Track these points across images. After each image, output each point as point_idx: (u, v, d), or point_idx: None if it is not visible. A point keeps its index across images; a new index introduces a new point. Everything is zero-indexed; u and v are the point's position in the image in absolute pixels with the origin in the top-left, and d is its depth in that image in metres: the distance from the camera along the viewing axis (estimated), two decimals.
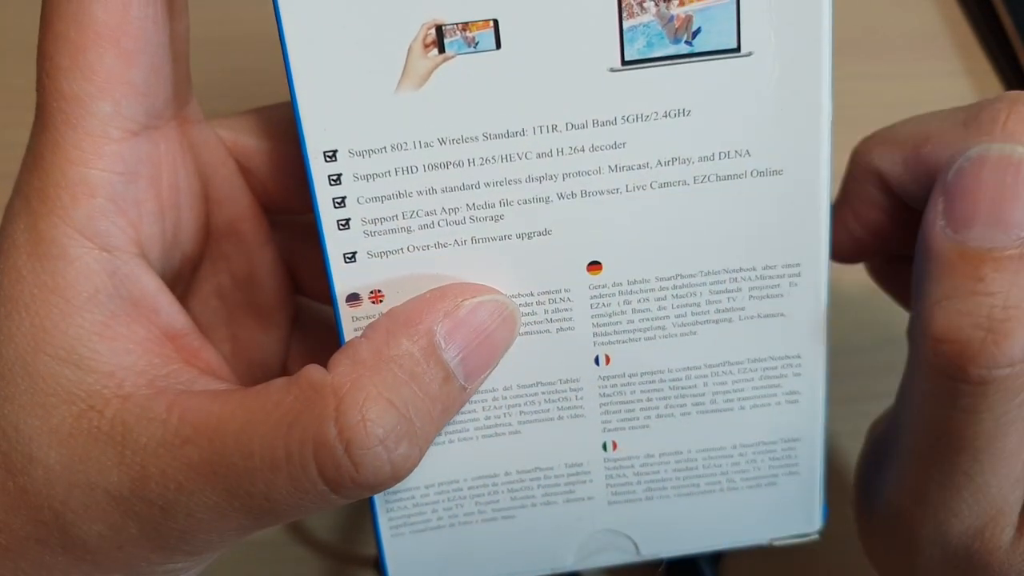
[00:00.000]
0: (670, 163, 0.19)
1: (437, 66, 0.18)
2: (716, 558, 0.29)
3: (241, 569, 0.29)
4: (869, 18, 0.36)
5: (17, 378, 0.18)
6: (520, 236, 0.20)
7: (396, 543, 0.22)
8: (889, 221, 0.22)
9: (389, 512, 0.22)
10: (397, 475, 0.18)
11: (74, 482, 0.18)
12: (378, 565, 0.28)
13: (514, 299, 0.20)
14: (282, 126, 0.23)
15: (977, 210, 0.18)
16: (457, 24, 0.18)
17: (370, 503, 0.22)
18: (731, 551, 0.29)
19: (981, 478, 0.19)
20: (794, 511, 0.23)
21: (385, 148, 0.19)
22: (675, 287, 0.21)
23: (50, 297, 0.18)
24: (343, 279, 0.20)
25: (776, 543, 0.23)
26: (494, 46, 0.18)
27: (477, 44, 0.18)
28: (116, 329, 0.18)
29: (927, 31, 0.37)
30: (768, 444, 0.22)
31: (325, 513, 0.30)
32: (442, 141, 0.19)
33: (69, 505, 0.18)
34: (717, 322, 0.21)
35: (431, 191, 0.19)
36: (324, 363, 0.26)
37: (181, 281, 0.22)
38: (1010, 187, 0.18)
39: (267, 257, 0.24)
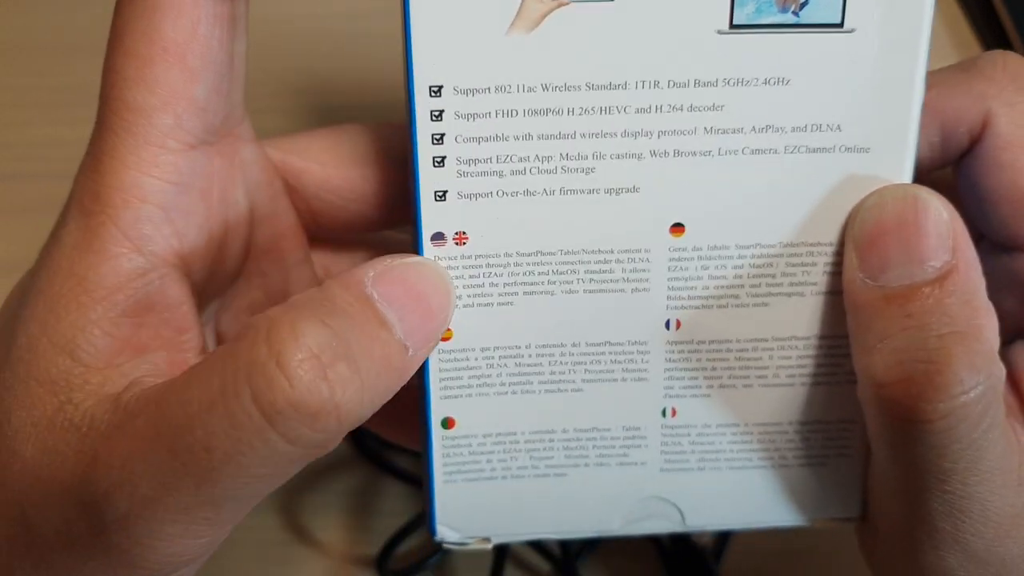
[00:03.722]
0: (764, 130, 0.20)
1: (551, 11, 0.19)
2: (718, 554, 0.29)
3: (241, 569, 0.29)
4: None
5: (20, 365, 0.18)
6: (608, 191, 0.20)
7: (448, 489, 0.22)
8: None
9: (444, 457, 0.22)
10: (336, 401, 0.17)
11: (39, 476, 0.17)
12: (390, 550, 0.28)
13: (592, 255, 0.21)
14: (331, 148, 0.23)
15: (889, 253, 0.19)
16: None
17: (426, 448, 0.22)
18: (734, 546, 0.29)
19: (980, 495, 0.19)
20: (839, 493, 0.23)
21: (489, 89, 0.19)
22: (753, 256, 0.21)
23: (75, 287, 0.18)
24: (431, 217, 0.20)
25: (817, 525, 0.23)
26: None
27: None
28: (122, 329, 0.18)
29: None
30: (824, 423, 0.22)
31: (325, 513, 0.30)
32: (545, 87, 0.19)
33: (32, 501, 0.18)
34: (790, 295, 0.21)
35: (528, 136, 0.20)
36: None
37: (218, 293, 0.23)
38: (912, 224, 0.19)
39: (304, 275, 0.24)
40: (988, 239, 0.22)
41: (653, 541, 0.29)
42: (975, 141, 0.21)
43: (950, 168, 0.22)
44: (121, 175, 0.18)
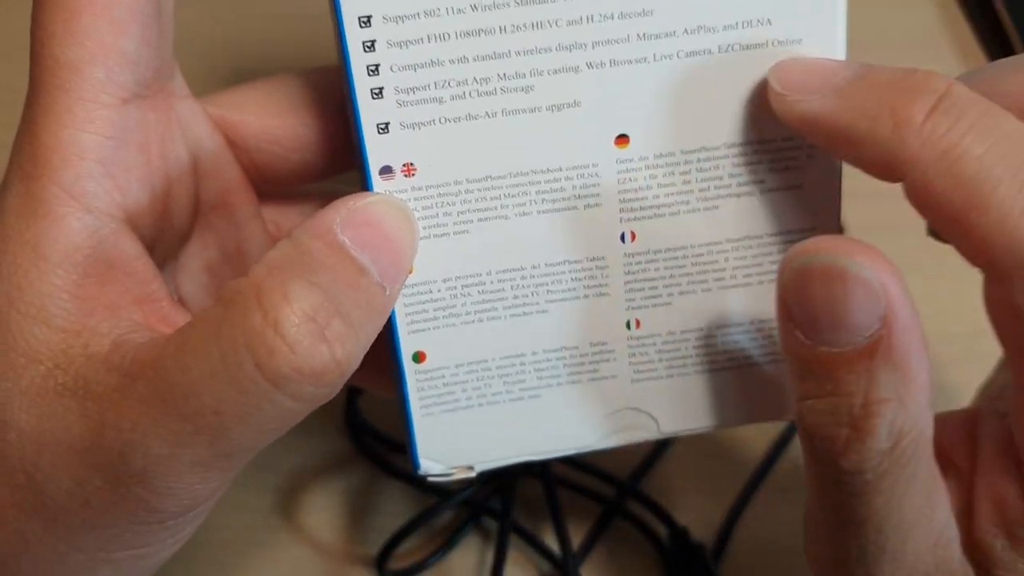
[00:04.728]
0: (696, 31, 0.20)
1: None
2: (718, 554, 0.29)
3: (241, 568, 0.29)
4: (869, 18, 0.37)
5: None
6: (550, 108, 0.20)
7: (426, 423, 0.23)
8: None
9: (419, 392, 0.22)
10: (338, 358, 0.17)
11: (43, 442, 0.18)
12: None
13: (542, 175, 0.21)
14: (267, 99, 0.23)
15: (818, 319, 0.18)
16: None
17: (400, 384, 0.22)
18: (734, 546, 0.29)
19: (893, 546, 0.19)
20: None
21: (419, 14, 0.19)
22: (699, 160, 0.21)
23: (30, 255, 0.18)
24: (376, 151, 0.20)
25: (789, 419, 0.24)
26: None
27: None
28: (88, 289, 0.18)
29: (927, 31, 0.38)
30: None
31: (325, 513, 0.30)
32: (474, 7, 0.19)
33: (39, 466, 0.18)
34: (739, 196, 0.21)
35: (463, 59, 0.20)
36: None
37: (171, 255, 0.23)
38: (840, 295, 0.18)
39: (256, 231, 0.24)
40: None
41: (653, 541, 0.29)
42: None
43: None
44: (58, 133, 0.18)
